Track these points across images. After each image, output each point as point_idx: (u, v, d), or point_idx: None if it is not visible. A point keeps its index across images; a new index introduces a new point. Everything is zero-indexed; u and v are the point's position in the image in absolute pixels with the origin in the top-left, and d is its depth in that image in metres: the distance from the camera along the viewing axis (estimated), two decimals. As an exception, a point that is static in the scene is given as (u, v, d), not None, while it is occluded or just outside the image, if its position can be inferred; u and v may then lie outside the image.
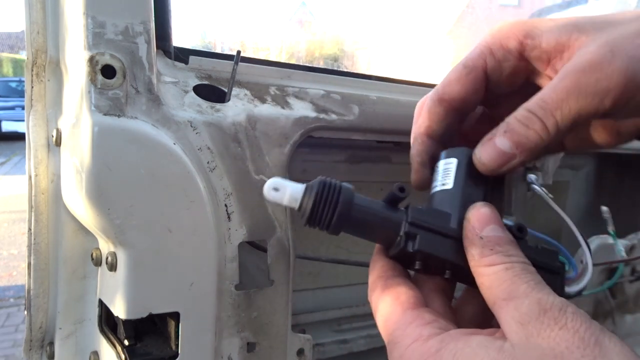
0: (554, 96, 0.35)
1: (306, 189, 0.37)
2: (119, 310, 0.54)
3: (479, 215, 0.35)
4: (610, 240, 1.03)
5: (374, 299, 0.38)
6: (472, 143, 0.39)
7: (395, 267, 0.39)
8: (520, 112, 0.36)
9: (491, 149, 0.37)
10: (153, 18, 0.54)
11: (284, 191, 0.37)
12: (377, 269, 0.39)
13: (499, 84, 0.41)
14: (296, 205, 0.37)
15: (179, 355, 0.57)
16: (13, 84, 12.81)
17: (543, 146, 0.36)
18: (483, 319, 0.39)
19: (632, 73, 0.34)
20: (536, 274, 0.33)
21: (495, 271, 0.33)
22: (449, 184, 0.39)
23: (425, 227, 0.36)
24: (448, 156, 0.40)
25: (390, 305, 0.36)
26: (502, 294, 0.32)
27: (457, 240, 0.36)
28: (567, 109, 0.35)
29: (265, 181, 0.63)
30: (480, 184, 0.38)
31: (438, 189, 0.40)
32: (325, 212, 0.36)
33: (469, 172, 0.39)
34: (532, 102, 0.36)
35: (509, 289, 0.32)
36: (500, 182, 0.40)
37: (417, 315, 0.35)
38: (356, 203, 0.37)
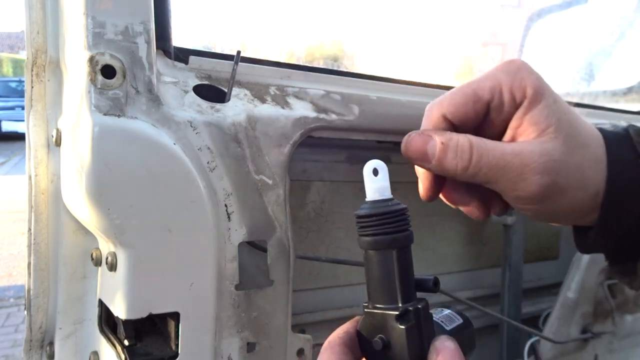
0: (486, 162, 0.39)
1: (389, 198, 0.39)
2: (119, 310, 0.54)
3: (444, 351, 0.37)
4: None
5: None
6: None
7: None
8: (464, 141, 0.40)
9: (421, 142, 0.41)
10: (153, 18, 0.54)
11: (378, 180, 0.39)
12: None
13: (495, 120, 0.43)
14: (370, 199, 0.39)
15: (179, 355, 0.57)
16: (13, 84, 12.79)
17: (450, 176, 0.41)
18: None
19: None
20: None
21: None
22: (448, 327, 0.44)
23: (417, 326, 0.38)
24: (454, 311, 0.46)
25: None
26: None
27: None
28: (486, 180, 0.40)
29: (265, 181, 0.63)
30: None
31: (441, 324, 0.44)
32: (382, 229, 0.39)
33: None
34: (477, 147, 0.40)
35: None
36: None
37: None
38: (407, 251, 0.39)
